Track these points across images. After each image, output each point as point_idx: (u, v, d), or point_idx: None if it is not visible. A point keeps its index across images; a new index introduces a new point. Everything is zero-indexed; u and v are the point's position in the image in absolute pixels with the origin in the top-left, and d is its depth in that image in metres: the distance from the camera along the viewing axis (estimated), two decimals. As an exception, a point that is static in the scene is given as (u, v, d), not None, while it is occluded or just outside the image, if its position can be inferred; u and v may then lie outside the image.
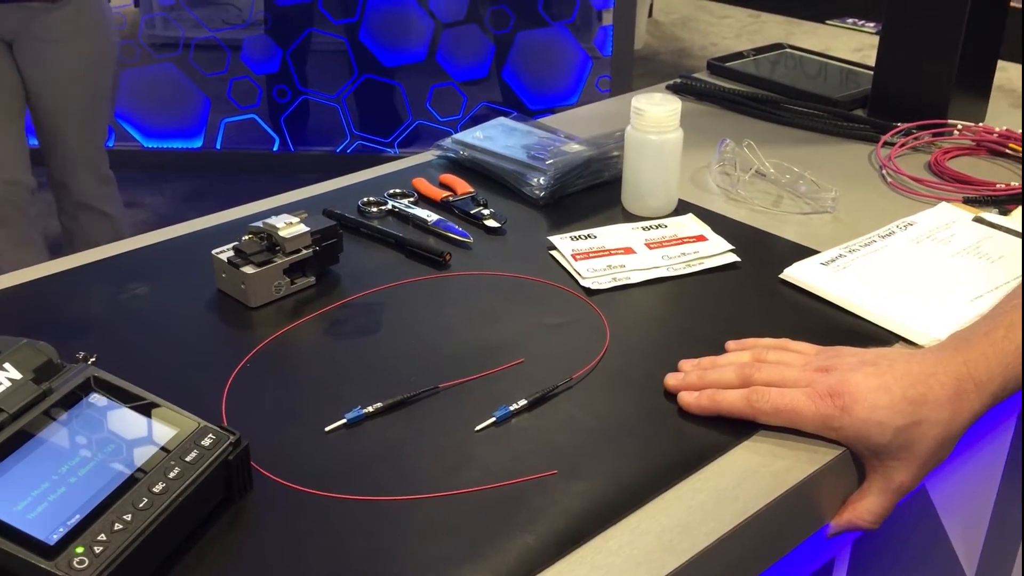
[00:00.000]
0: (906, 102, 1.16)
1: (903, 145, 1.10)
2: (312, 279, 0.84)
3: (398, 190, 1.00)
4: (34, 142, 2.13)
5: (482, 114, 3.45)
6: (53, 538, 0.52)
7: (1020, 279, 0.82)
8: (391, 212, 0.97)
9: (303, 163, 3.58)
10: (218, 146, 3.56)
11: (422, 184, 1.01)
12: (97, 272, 0.88)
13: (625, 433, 0.67)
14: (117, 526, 0.53)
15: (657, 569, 0.56)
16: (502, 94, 3.45)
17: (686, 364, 0.72)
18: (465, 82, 3.44)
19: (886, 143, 1.11)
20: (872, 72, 1.24)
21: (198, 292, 0.84)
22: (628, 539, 0.59)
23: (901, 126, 1.13)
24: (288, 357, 0.76)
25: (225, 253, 0.82)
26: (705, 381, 0.69)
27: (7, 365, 0.59)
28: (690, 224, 0.93)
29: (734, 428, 0.67)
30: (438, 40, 3.40)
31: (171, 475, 0.57)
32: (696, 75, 1.33)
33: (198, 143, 3.53)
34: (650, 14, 4.92)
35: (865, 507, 0.66)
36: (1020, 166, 1.07)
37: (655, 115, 0.92)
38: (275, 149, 3.58)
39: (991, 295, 0.80)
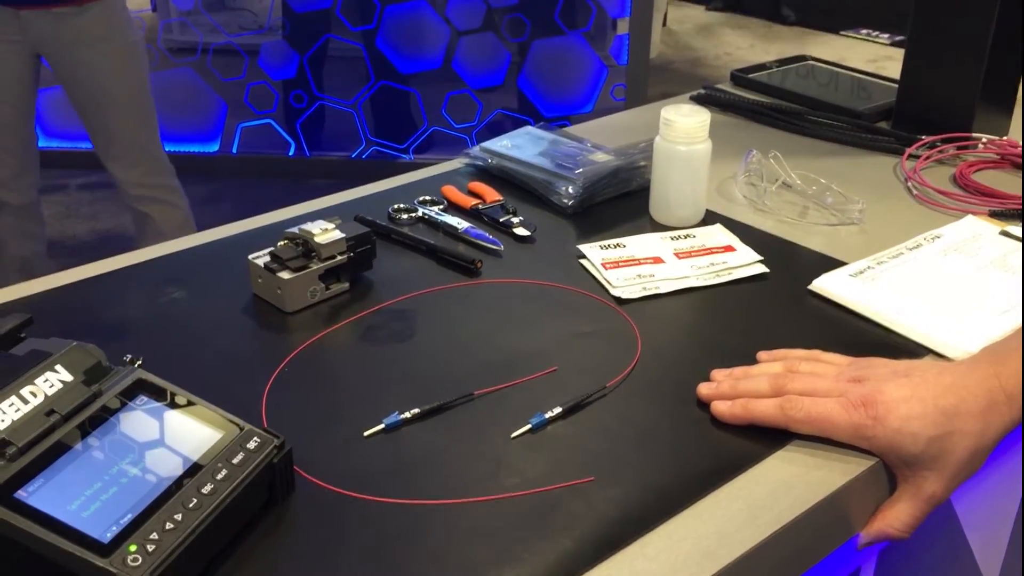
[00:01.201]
0: (931, 115, 1.16)
1: (928, 158, 1.11)
2: (346, 285, 0.85)
3: (428, 197, 1.01)
4: (89, 144, 2.15)
5: (497, 121, 3.47)
6: (107, 536, 0.53)
7: (1048, 293, 0.83)
8: (421, 219, 0.98)
9: (318, 168, 3.60)
10: (234, 150, 3.58)
11: (451, 192, 1.02)
12: (135, 275, 0.89)
13: (659, 441, 0.68)
14: (168, 525, 0.54)
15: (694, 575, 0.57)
16: (517, 102, 3.47)
17: (718, 374, 0.73)
18: (481, 89, 3.46)
19: (911, 156, 1.12)
20: (895, 84, 1.25)
21: (234, 296, 0.85)
22: (665, 545, 0.60)
23: (925, 139, 1.13)
24: (324, 362, 0.77)
25: (261, 258, 0.83)
26: (738, 390, 0.70)
27: (58, 367, 0.60)
28: (718, 234, 0.94)
29: (767, 437, 0.68)
30: (454, 48, 3.42)
31: (219, 477, 0.58)
32: (719, 86, 1.35)
33: (215, 147, 3.56)
34: (664, 23, 4.93)
35: (896, 517, 0.67)
36: (1044, 180, 1.08)
37: (684, 126, 0.93)
38: (291, 154, 3.60)
39: (1019, 308, 0.81)
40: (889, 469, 0.67)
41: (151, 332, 0.80)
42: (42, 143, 3.16)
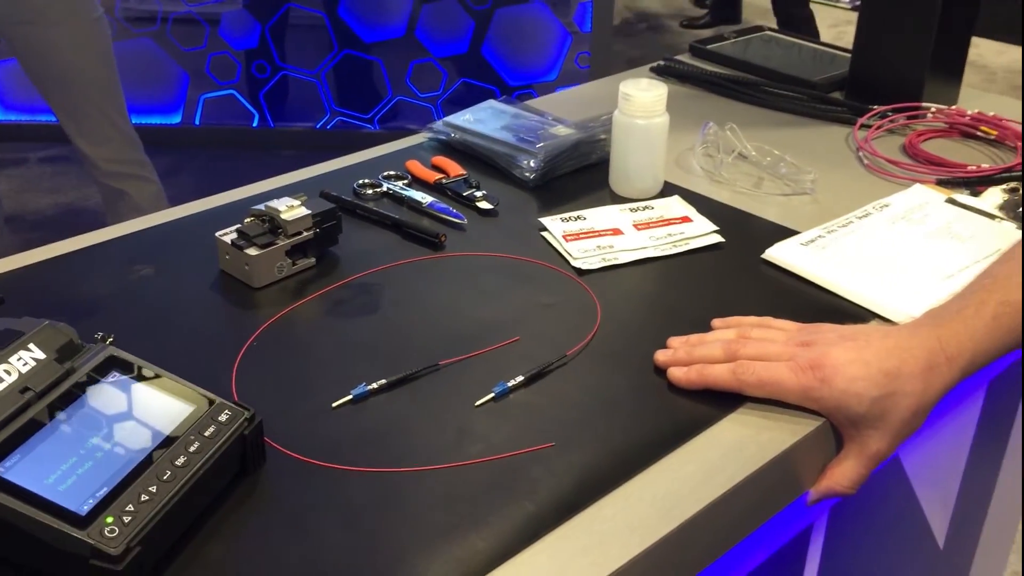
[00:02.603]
0: (882, 85, 1.19)
1: (879, 128, 1.14)
2: (312, 260, 0.87)
3: (393, 172, 1.03)
4: (49, 117, 2.10)
5: (462, 90, 3.47)
6: (84, 509, 0.55)
7: (989, 259, 0.86)
8: (386, 194, 0.99)
9: (283, 139, 3.58)
10: (197, 122, 3.56)
11: (415, 166, 1.04)
12: (103, 253, 0.90)
13: (617, 407, 0.71)
14: (144, 497, 0.56)
15: (650, 535, 0.60)
16: (482, 70, 3.46)
17: (674, 341, 0.76)
18: (445, 58, 3.45)
19: (862, 125, 1.15)
20: (848, 55, 1.28)
21: (202, 273, 0.86)
22: (622, 507, 0.62)
23: (876, 109, 1.16)
24: (293, 336, 0.79)
25: (228, 235, 0.85)
26: (693, 357, 0.73)
27: (31, 346, 0.61)
28: (675, 206, 0.97)
29: (721, 401, 0.71)
30: (417, 16, 3.41)
31: (191, 449, 0.60)
32: (678, 57, 1.37)
33: (176, 119, 3.54)
34: (627, -12, 4.93)
35: (843, 474, 0.71)
36: (991, 148, 1.11)
37: (642, 100, 0.95)
38: (254, 125, 3.58)
39: (962, 274, 0.85)
40: (835, 429, 0.70)
41: (121, 309, 0.82)
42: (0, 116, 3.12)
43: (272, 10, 3.41)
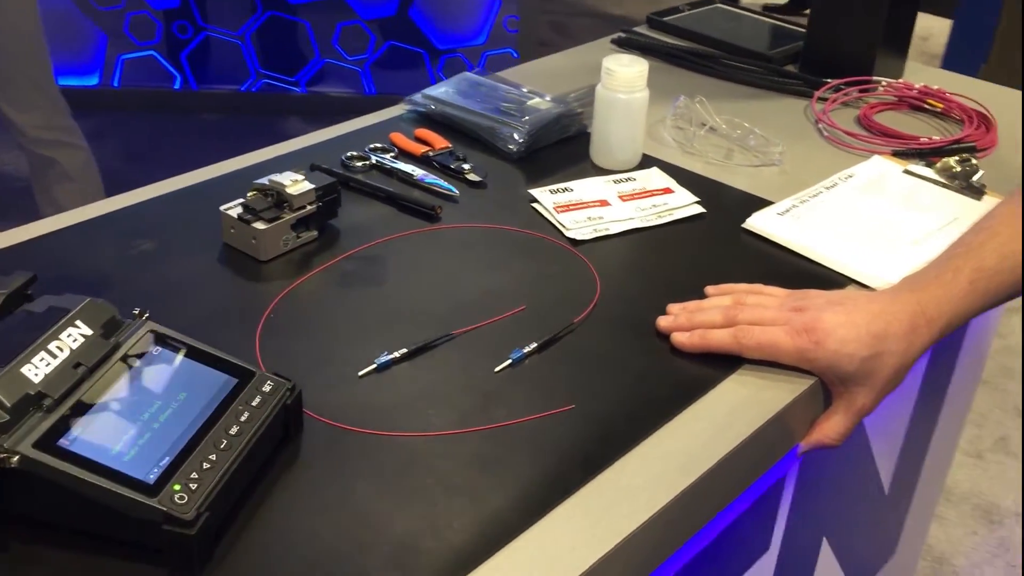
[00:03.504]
0: (835, 59, 1.25)
1: (834, 101, 1.21)
2: (315, 233, 0.89)
3: (378, 144, 1.05)
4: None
5: (390, 53, 3.46)
6: (151, 478, 0.57)
7: (949, 226, 0.93)
8: (375, 166, 1.02)
9: (206, 101, 3.52)
10: (116, 83, 3.47)
11: (400, 139, 1.06)
12: (97, 229, 0.91)
13: (626, 370, 0.76)
14: (205, 465, 0.59)
15: (672, 488, 0.65)
16: (410, 33, 3.45)
17: (674, 307, 0.81)
18: (372, 20, 3.43)
19: (819, 98, 1.21)
20: (800, 28, 1.34)
21: (204, 247, 0.88)
22: (643, 463, 0.67)
23: (831, 82, 1.23)
24: (307, 307, 0.81)
25: (233, 210, 0.86)
26: (694, 322, 0.78)
27: (78, 322, 0.63)
28: (656, 177, 1.01)
29: (720, 363, 0.76)
30: (345, -24, 3.38)
31: (242, 419, 0.63)
32: (637, 29, 1.41)
33: (94, 80, 3.45)
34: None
35: (832, 428, 0.77)
36: (938, 120, 1.19)
37: (625, 75, 0.99)
38: (177, 87, 3.51)
39: (928, 240, 0.91)
40: (825, 387, 0.76)
41: (128, 285, 0.83)
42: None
43: (193, -32, 3.33)
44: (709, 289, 0.84)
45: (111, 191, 1.37)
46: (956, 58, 3.17)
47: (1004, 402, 2.36)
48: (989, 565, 1.94)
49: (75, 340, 0.62)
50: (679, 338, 0.77)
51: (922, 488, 1.40)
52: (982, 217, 0.78)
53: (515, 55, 3.44)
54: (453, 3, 3.47)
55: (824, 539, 1.13)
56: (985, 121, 1.16)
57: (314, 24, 3.43)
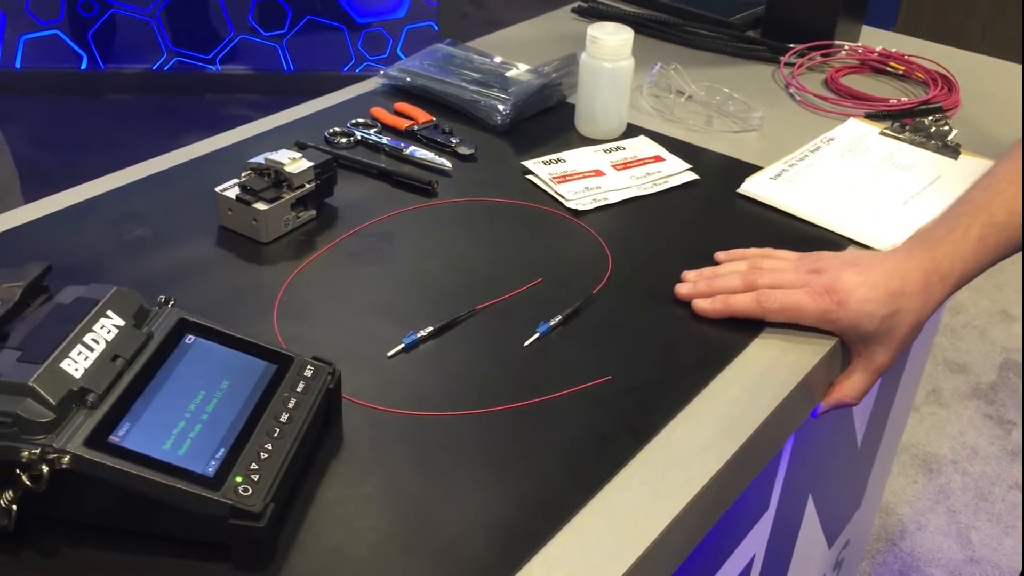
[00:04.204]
0: (797, 24, 1.27)
1: (800, 66, 1.22)
2: (314, 212, 0.87)
3: (360, 120, 1.02)
4: None
5: (308, 28, 3.38)
6: (210, 471, 0.55)
7: (934, 184, 0.96)
8: (360, 142, 0.99)
9: (115, 82, 3.40)
10: (18, 65, 3.32)
11: (382, 113, 1.04)
12: (86, 214, 0.87)
13: (652, 339, 0.76)
14: (263, 455, 0.57)
15: (723, 453, 0.66)
16: (328, 7, 3.38)
17: (690, 274, 0.81)
18: (289, -6, 3.35)
19: (786, 64, 1.22)
20: (756, -5, 1.36)
21: (200, 229, 0.85)
22: (689, 429, 0.68)
23: (796, 47, 1.24)
24: (320, 289, 0.79)
25: (231, 190, 0.83)
26: (714, 288, 0.78)
27: (109, 312, 0.60)
28: (645, 145, 1.01)
29: (742, 328, 0.77)
30: (259, -50, 3.29)
31: (290, 406, 0.61)
32: (595, -2, 1.40)
33: (-5, 63, 3.29)
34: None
35: (852, 386, 0.78)
36: (900, 82, 1.22)
37: (610, 44, 0.99)
38: (83, 67, 3.38)
39: (915, 199, 0.94)
40: (844, 347, 0.78)
41: (128, 274, 0.79)
42: None
43: (98, -57, 3.20)
44: (720, 255, 0.84)
45: (27, 178, 1.31)
46: (869, 17, 3.25)
47: (933, 356, 2.45)
48: (932, 512, 2.02)
49: (109, 332, 0.59)
50: (702, 304, 0.78)
51: (885, 442, 1.45)
52: (984, 174, 0.80)
53: (435, 27, 3.40)
54: (371, -24, 3.41)
55: (809, 496, 1.15)
56: (947, 82, 1.19)
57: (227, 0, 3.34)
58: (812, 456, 1.10)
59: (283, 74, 3.43)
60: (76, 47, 3.36)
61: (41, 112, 3.28)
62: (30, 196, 0.88)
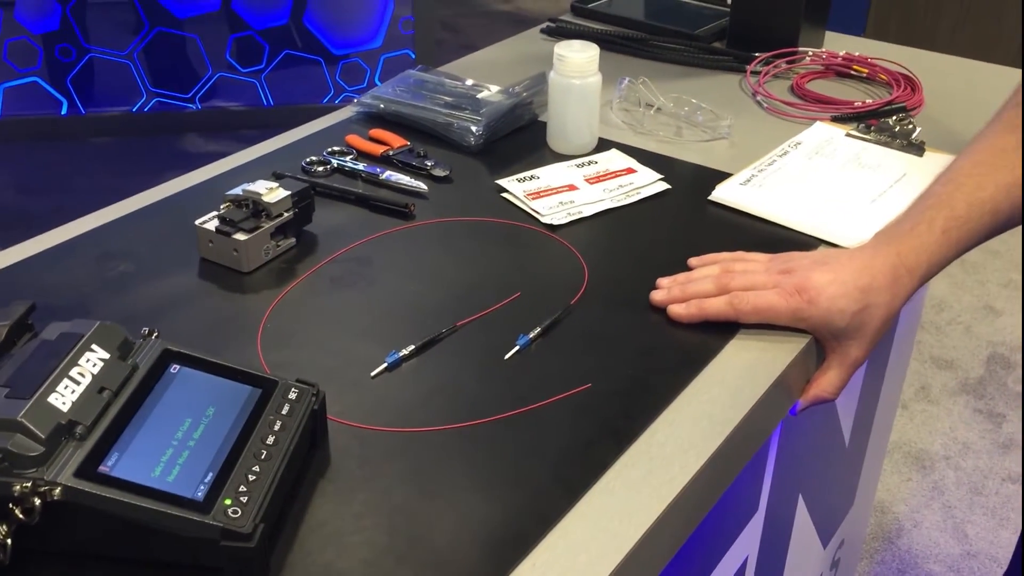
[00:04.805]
0: (761, 33, 1.30)
1: (766, 74, 1.25)
2: (293, 240, 0.88)
3: (336, 148, 1.04)
4: None
5: (286, 62, 3.41)
6: (199, 495, 0.56)
7: (900, 182, 0.98)
8: (337, 169, 1.01)
9: (97, 125, 3.42)
10: (-2, 114, 3.34)
11: (357, 140, 1.06)
12: (69, 253, 0.88)
13: (630, 345, 0.77)
14: (251, 477, 0.58)
15: (703, 452, 0.67)
16: (304, 41, 3.41)
17: (664, 281, 0.83)
18: (265, 30, 3.37)
19: (752, 72, 1.25)
20: (721, 7, 1.38)
21: (182, 262, 0.86)
22: (669, 432, 0.69)
23: (761, 56, 1.27)
24: (302, 314, 0.80)
25: (210, 223, 0.85)
26: (688, 293, 0.80)
27: (94, 346, 0.61)
28: (617, 158, 1.03)
29: (718, 331, 0.79)
30: (232, -12, 3.32)
31: (276, 428, 0.62)
32: (563, 18, 1.43)
33: (-27, 111, 3.31)
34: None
35: (829, 382, 0.80)
36: (864, 84, 1.24)
37: (577, 61, 1.01)
38: (63, 113, 3.39)
39: (883, 197, 0.96)
40: (818, 344, 0.79)
41: (113, 309, 0.81)
42: None
43: (71, -11, 3.23)
44: (693, 261, 0.86)
45: (13, 226, 1.33)
46: (836, 26, 3.30)
47: (920, 353, 2.47)
48: (927, 509, 2.03)
49: (94, 364, 0.60)
50: (676, 310, 0.79)
51: (874, 439, 1.47)
52: (943, 170, 0.82)
53: (412, 55, 3.43)
54: (346, 8, 3.44)
55: (800, 496, 1.17)
56: (910, 83, 1.22)
57: (204, 38, 3.36)
58: (800, 456, 1.12)
59: (263, 109, 3.45)
60: (56, 93, 3.37)
61: (24, 159, 3.30)
62: (17, 242, 0.90)
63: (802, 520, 1.21)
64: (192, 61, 3.40)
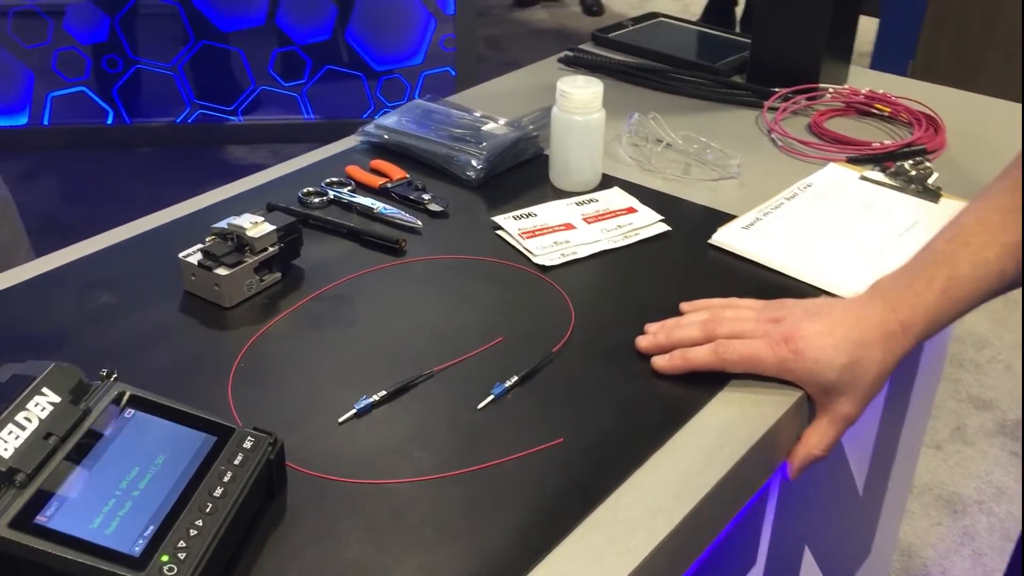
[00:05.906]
0: (781, 68, 1.26)
1: (784, 110, 1.21)
2: (278, 275, 0.87)
3: (335, 179, 1.03)
4: None
5: (328, 77, 3.43)
6: (136, 550, 0.55)
7: (911, 230, 0.94)
8: (333, 201, 1.00)
9: (141, 136, 3.46)
10: (46, 122, 3.40)
11: (357, 172, 1.04)
12: (52, 283, 0.88)
13: (610, 397, 0.75)
14: (192, 532, 0.57)
15: (672, 517, 0.64)
16: (346, 56, 3.43)
17: (651, 327, 0.80)
18: (308, 45, 3.40)
19: (769, 108, 1.21)
20: (744, 39, 1.35)
21: (165, 296, 0.85)
22: (639, 493, 0.66)
23: (780, 91, 1.24)
24: (278, 353, 0.79)
25: (193, 256, 0.84)
26: (673, 340, 0.77)
27: (45, 389, 0.60)
28: (618, 197, 1.01)
29: (706, 382, 0.76)
30: (277, 2, 3.34)
31: (225, 479, 0.60)
32: (583, 47, 1.41)
33: (23, 120, 3.37)
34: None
35: (819, 439, 0.77)
36: (886, 124, 1.20)
37: (581, 97, 0.98)
38: (109, 122, 3.44)
39: (892, 246, 0.92)
40: (809, 399, 0.76)
41: (89, 342, 0.80)
42: None
43: (120, 1, 3.27)
44: (684, 306, 0.83)
45: (51, 233, 1.33)
46: (884, 55, 3.23)
47: (957, 392, 2.40)
48: (956, 554, 1.97)
49: (43, 409, 0.59)
50: (660, 362, 0.77)
51: (893, 486, 1.42)
52: (949, 223, 0.79)
53: (453, 73, 3.43)
54: (389, 25, 3.45)
55: (806, 547, 1.13)
56: (933, 123, 1.18)
57: (248, 52, 3.39)
58: (804, 505, 1.08)
59: (304, 123, 3.48)
60: (102, 103, 3.42)
61: (70, 167, 3.35)
62: (50, 250, 0.90)
63: (810, 571, 1.17)
64: (236, 74, 3.44)
